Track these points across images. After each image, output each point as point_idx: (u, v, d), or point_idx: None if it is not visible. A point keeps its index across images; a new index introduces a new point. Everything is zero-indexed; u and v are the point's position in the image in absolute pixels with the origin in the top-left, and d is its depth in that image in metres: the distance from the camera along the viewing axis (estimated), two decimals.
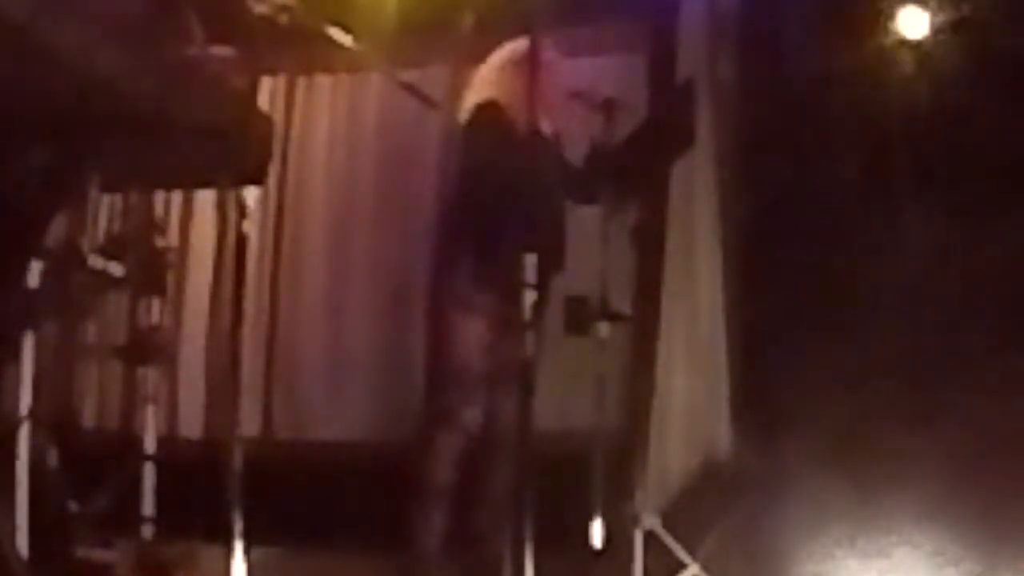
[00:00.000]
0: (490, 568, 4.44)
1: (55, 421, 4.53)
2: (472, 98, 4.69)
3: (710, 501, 5.14)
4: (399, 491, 4.55)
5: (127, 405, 5.99)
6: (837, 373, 5.06)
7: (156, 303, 5.02)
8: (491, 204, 4.29)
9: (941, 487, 4.62)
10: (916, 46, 5.45)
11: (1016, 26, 5.20)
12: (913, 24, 5.48)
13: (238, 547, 3.27)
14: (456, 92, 4.92)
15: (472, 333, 4.48)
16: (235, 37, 3.73)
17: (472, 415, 4.47)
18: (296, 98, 6.44)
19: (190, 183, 5.40)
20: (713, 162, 5.60)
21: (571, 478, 4.47)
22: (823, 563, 4.54)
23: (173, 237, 5.99)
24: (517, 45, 4.58)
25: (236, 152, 3.39)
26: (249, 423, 5.35)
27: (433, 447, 4.50)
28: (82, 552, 4.20)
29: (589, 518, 4.50)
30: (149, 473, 4.78)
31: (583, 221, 4.78)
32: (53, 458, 4.19)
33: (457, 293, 4.52)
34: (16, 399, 3.90)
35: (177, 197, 6.25)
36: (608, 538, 4.52)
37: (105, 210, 5.57)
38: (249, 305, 5.89)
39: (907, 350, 5.13)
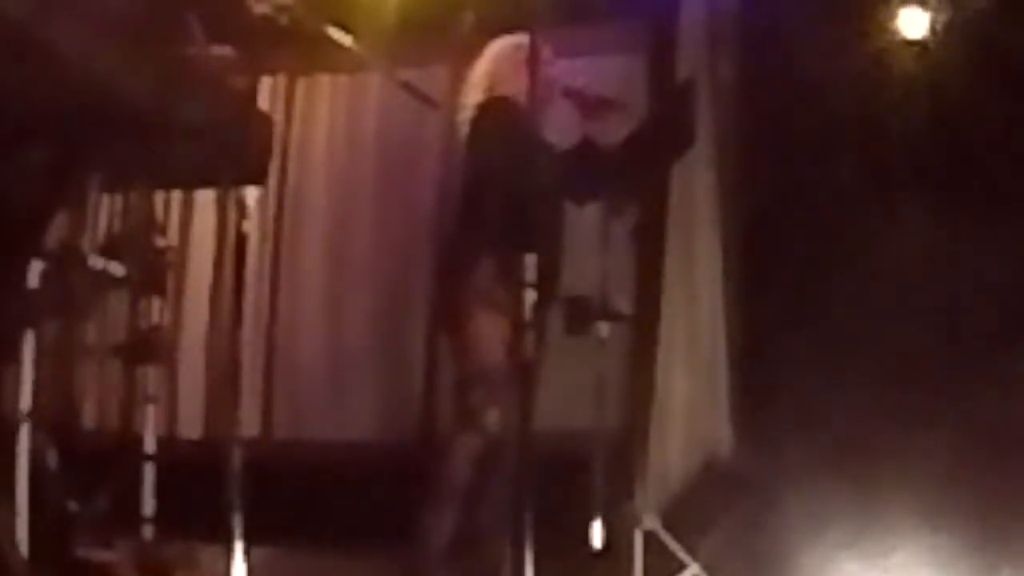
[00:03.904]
0: (490, 568, 4.44)
1: (55, 421, 4.53)
2: (473, 96, 4.68)
3: (710, 501, 5.14)
4: (409, 490, 4.55)
5: (127, 405, 5.99)
6: (837, 373, 5.06)
7: (156, 303, 5.02)
8: (503, 202, 4.27)
9: (941, 488, 4.62)
10: (916, 46, 5.45)
11: (1016, 26, 5.20)
12: (913, 24, 5.48)
13: (238, 547, 3.27)
14: (456, 92, 4.92)
15: (496, 332, 4.43)
16: (235, 37, 3.74)
17: (495, 415, 4.43)
18: (296, 98, 6.44)
19: (190, 183, 5.40)
20: (713, 162, 5.60)
21: (571, 478, 4.47)
22: (823, 563, 4.54)
23: (173, 237, 5.99)
24: (510, 39, 4.58)
25: (236, 152, 3.39)
26: (249, 423, 5.34)
27: (455, 448, 4.48)
28: (82, 552, 4.20)
29: (589, 518, 4.50)
30: (149, 473, 4.78)
31: (583, 221, 4.78)
32: (53, 458, 4.19)
33: (481, 292, 4.48)
34: (16, 399, 3.90)
35: (177, 197, 6.25)
36: (608, 538, 4.52)
37: (105, 210, 5.57)
38: (249, 305, 5.88)
39: (907, 350, 5.12)
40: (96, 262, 4.55)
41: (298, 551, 5.08)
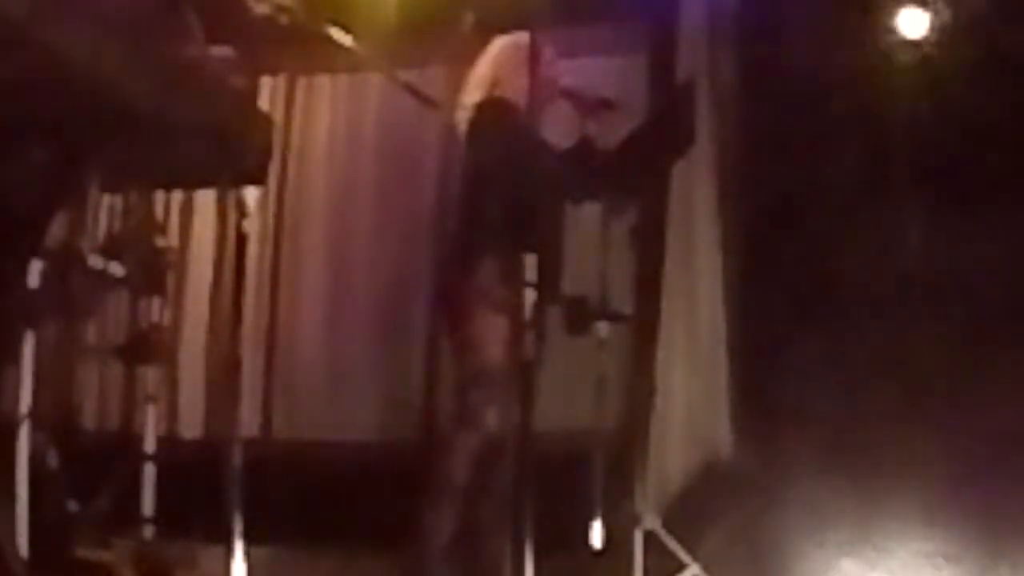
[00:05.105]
0: (490, 567, 4.44)
1: (55, 421, 4.52)
2: (472, 96, 4.68)
3: (710, 501, 5.14)
4: (410, 490, 4.54)
5: (127, 405, 6.00)
6: (837, 373, 5.06)
7: (156, 303, 5.03)
8: (503, 202, 4.27)
9: (941, 487, 4.62)
10: (916, 46, 5.45)
11: (1016, 26, 5.20)
12: (913, 24, 5.48)
13: (238, 547, 3.27)
14: (456, 92, 4.93)
15: (496, 332, 4.43)
16: (235, 37, 3.74)
17: (494, 414, 4.43)
18: (296, 98, 6.44)
19: (190, 183, 5.39)
20: (713, 162, 5.60)
21: (571, 478, 4.47)
22: (823, 563, 4.55)
23: (173, 237, 6.00)
24: (511, 39, 4.59)
25: (236, 152, 3.39)
26: (249, 423, 5.34)
27: (454, 446, 4.48)
28: (82, 552, 4.20)
29: (589, 518, 4.50)
30: (149, 473, 4.78)
31: (583, 221, 4.78)
32: (53, 458, 4.19)
33: (481, 292, 4.48)
34: (16, 399, 3.90)
35: (177, 197, 6.26)
36: (608, 538, 4.52)
37: (105, 210, 5.57)
38: (249, 305, 5.89)
39: (907, 350, 5.12)
40: (96, 262, 4.55)
41: (298, 551, 5.09)
